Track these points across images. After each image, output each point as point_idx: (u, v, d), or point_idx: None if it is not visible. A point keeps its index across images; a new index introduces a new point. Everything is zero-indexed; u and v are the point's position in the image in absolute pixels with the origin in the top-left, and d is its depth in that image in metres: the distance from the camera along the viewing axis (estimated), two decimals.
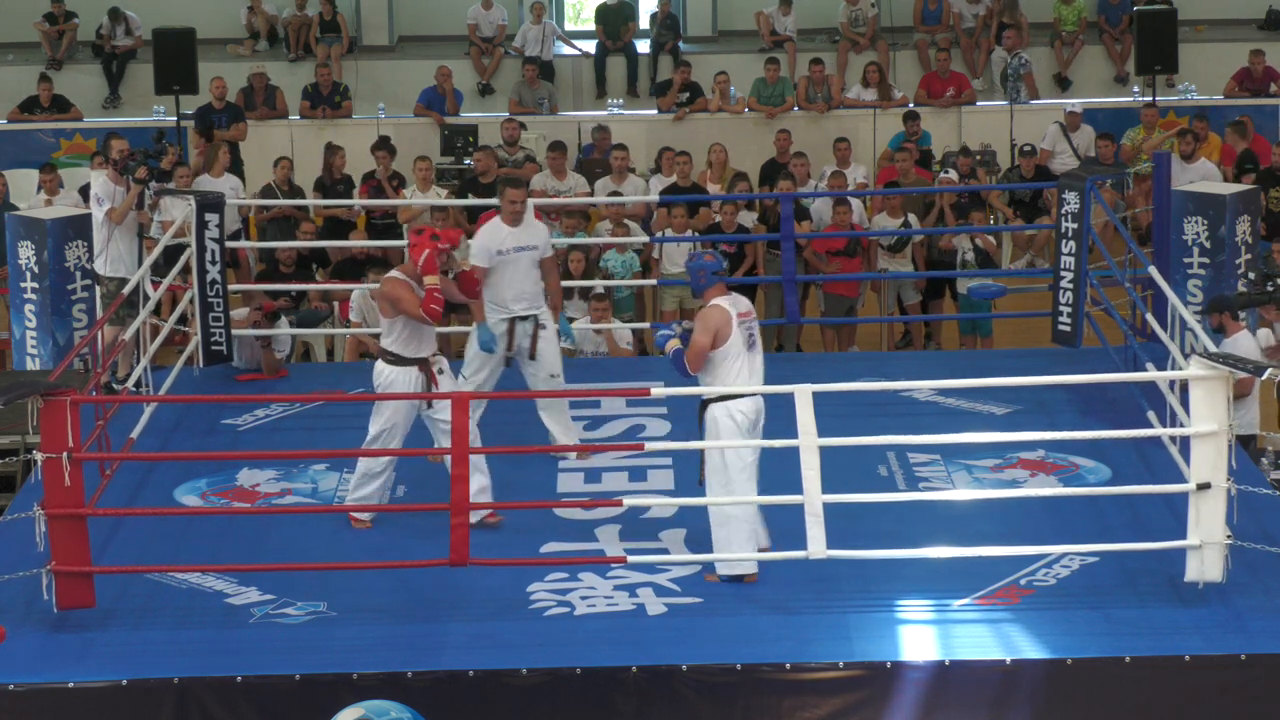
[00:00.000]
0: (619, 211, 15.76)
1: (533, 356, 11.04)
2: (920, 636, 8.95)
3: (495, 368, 11.17)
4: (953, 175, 16.61)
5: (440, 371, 10.20)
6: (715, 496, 9.48)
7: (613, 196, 15.93)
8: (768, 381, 9.69)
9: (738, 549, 9.41)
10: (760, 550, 9.44)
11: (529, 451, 10.57)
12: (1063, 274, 12.42)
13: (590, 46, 21.59)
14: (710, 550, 9.52)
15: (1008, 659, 8.70)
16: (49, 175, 16.60)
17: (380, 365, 10.22)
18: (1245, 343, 11.11)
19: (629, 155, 16.96)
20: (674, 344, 9.66)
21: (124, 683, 8.58)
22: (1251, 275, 10.36)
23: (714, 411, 9.49)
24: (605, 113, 20.16)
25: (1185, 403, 9.52)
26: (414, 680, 8.56)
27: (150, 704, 8.56)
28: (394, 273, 10.20)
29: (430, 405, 10.03)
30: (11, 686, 8.53)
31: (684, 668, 8.65)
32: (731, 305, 9.58)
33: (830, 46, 21.42)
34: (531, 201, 11.34)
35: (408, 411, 10.10)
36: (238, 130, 18.62)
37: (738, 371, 9.53)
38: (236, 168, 18.22)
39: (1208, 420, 9.01)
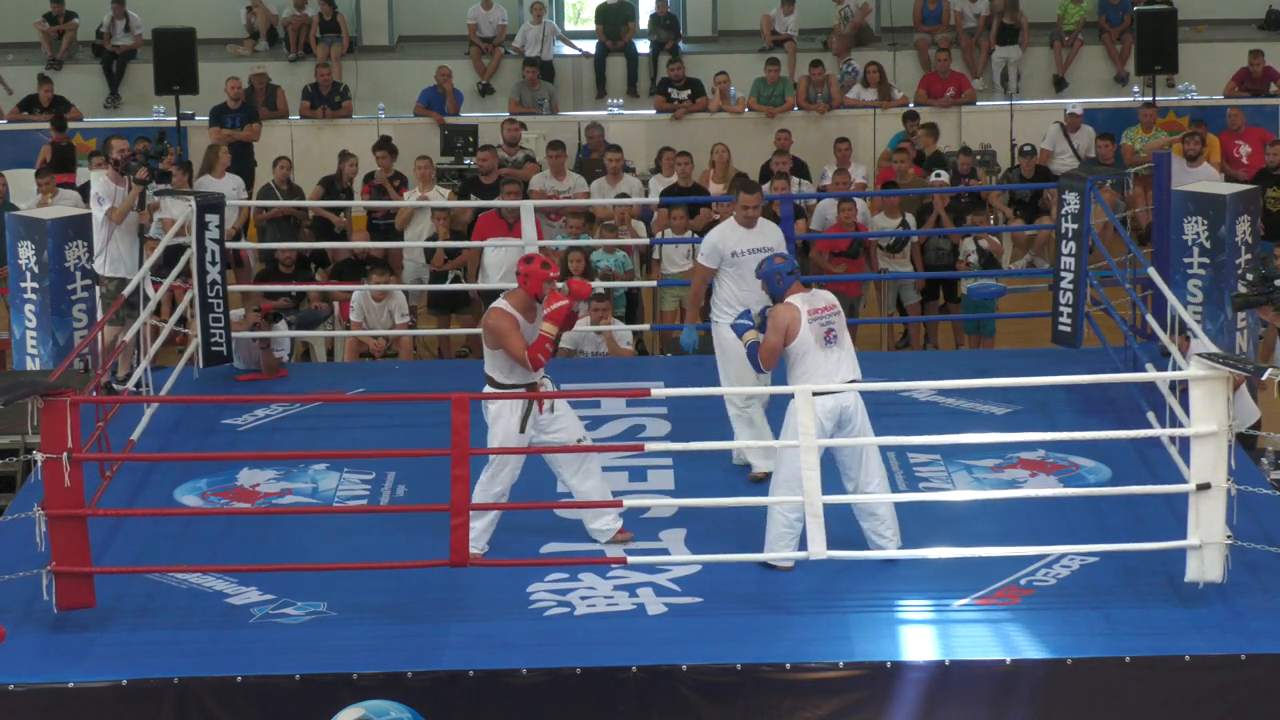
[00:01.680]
0: (618, 213, 15.78)
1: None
2: (920, 636, 8.95)
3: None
4: (944, 177, 16.60)
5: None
6: (775, 484, 9.51)
7: (620, 198, 15.92)
8: (775, 381, 9.68)
9: (772, 540, 9.43)
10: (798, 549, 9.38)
11: (528, 452, 10.55)
12: (1063, 274, 12.41)
13: (590, 46, 21.60)
14: (708, 551, 9.55)
15: (1008, 659, 8.70)
16: (49, 176, 16.59)
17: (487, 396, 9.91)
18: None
19: (623, 156, 16.96)
20: (751, 335, 9.72)
21: (124, 683, 8.58)
22: (1250, 277, 10.36)
23: (793, 404, 9.50)
24: (605, 113, 20.17)
25: (1185, 403, 9.51)
26: (414, 680, 8.56)
27: (150, 704, 8.55)
28: (501, 303, 9.81)
29: (535, 427, 9.83)
30: (11, 686, 8.53)
31: (684, 668, 8.65)
32: (803, 302, 9.60)
33: (828, 49, 21.43)
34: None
35: (516, 442, 9.81)
36: (251, 130, 18.63)
37: (815, 368, 9.53)
38: (249, 168, 18.25)
39: (1207, 420, 9.01)
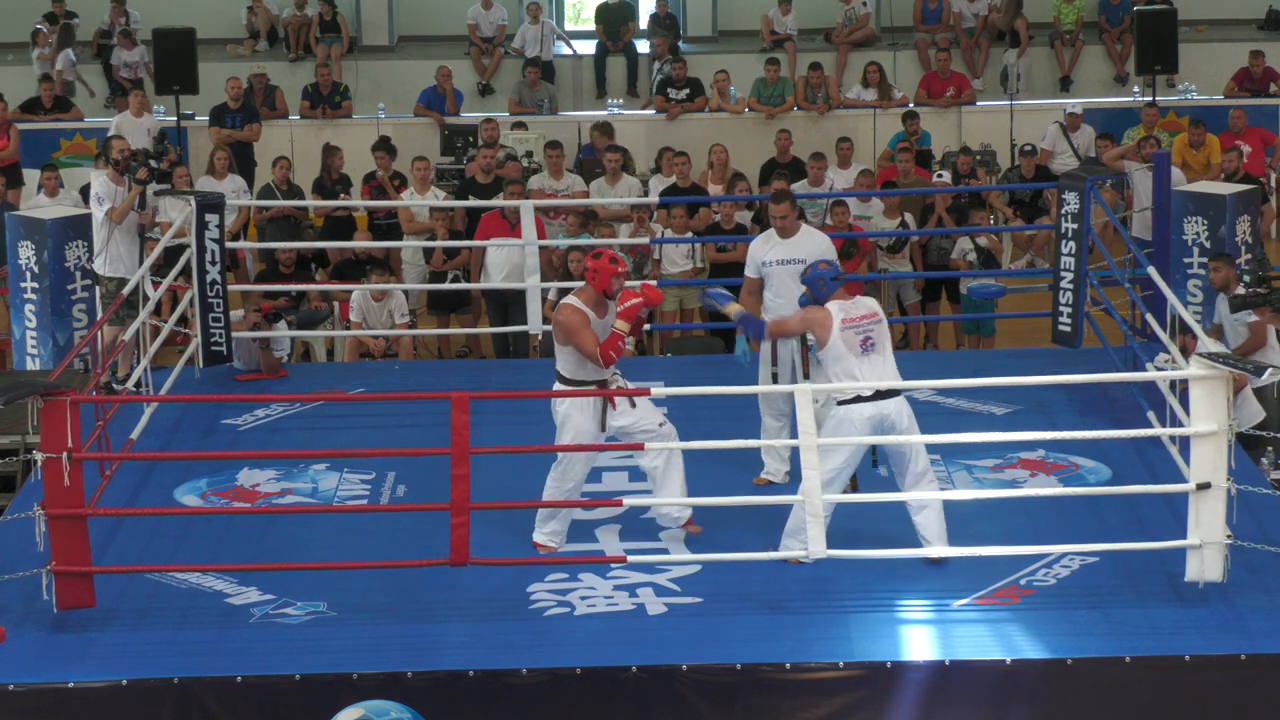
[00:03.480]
0: (618, 214, 15.78)
1: (807, 375, 10.36)
2: (920, 636, 8.95)
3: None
4: (946, 177, 16.60)
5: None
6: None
7: (628, 199, 15.92)
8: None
9: (792, 530, 9.45)
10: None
11: (529, 452, 10.55)
12: (1063, 274, 12.42)
13: (590, 46, 21.60)
14: (708, 550, 9.55)
15: (1008, 659, 8.70)
16: (49, 175, 16.60)
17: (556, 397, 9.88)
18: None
19: (623, 157, 16.95)
20: (735, 308, 9.80)
21: (124, 683, 8.58)
22: (1247, 278, 10.36)
23: (837, 411, 9.52)
24: (605, 113, 20.18)
25: (1185, 402, 9.51)
26: (414, 680, 8.56)
27: (150, 704, 8.55)
28: (572, 299, 9.79)
29: (608, 425, 9.81)
30: (11, 686, 8.53)
31: (684, 668, 8.65)
32: (840, 309, 9.58)
33: (829, 47, 21.44)
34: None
35: (590, 440, 9.80)
36: (251, 131, 18.64)
37: (847, 374, 9.51)
38: (249, 168, 18.25)
39: (1207, 420, 9.01)
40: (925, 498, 9.50)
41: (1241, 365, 9.09)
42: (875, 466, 9.68)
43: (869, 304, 9.77)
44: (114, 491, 10.16)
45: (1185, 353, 10.70)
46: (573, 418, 9.83)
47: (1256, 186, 14.44)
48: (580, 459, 9.86)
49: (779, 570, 9.44)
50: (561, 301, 9.88)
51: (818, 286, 9.74)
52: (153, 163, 12.23)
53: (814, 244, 10.68)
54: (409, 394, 12.35)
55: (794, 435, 9.96)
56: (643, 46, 21.64)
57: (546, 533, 9.92)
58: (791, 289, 10.42)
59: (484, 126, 17.71)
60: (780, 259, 10.60)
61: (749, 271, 10.77)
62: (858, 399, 9.47)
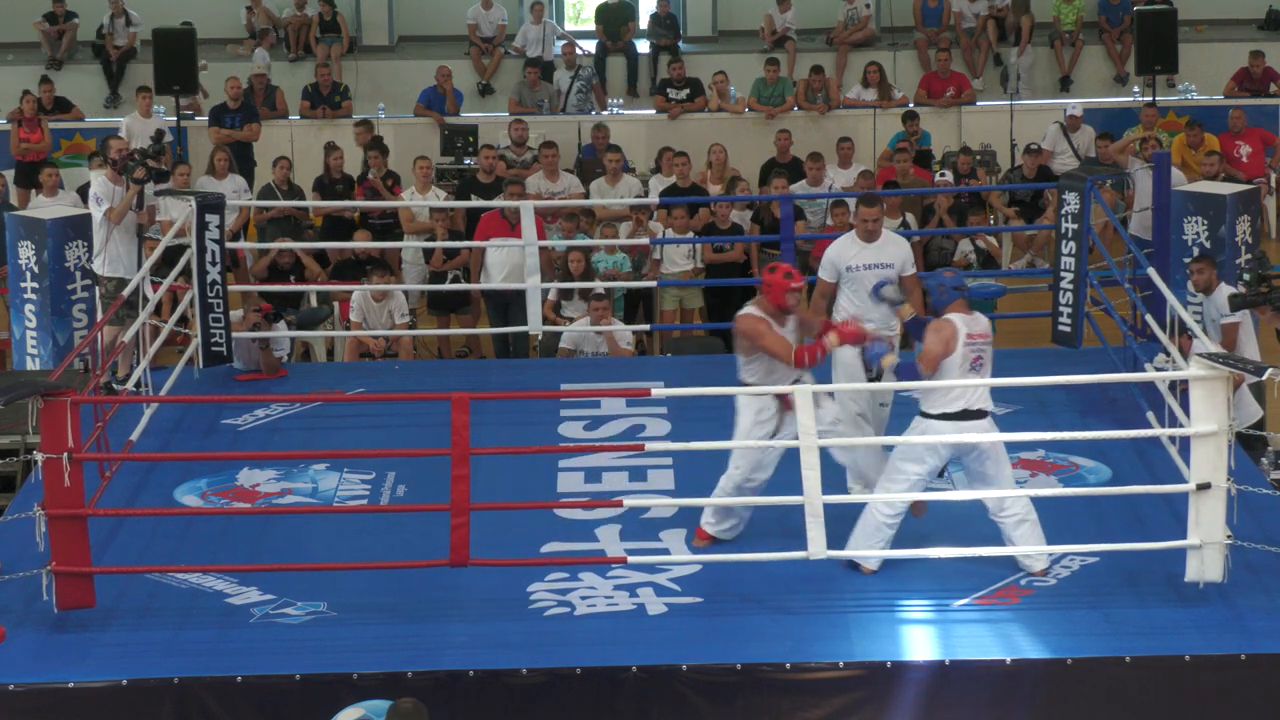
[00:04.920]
0: (617, 214, 15.78)
1: (878, 377, 10.10)
2: (920, 636, 8.96)
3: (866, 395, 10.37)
4: (949, 177, 16.60)
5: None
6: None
7: (634, 199, 15.92)
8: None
9: (861, 538, 9.37)
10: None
11: (529, 453, 10.57)
12: (1063, 274, 12.42)
13: (590, 46, 21.60)
14: (709, 551, 9.55)
15: (1008, 659, 8.70)
16: (49, 175, 16.60)
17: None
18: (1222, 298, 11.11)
19: (623, 156, 16.96)
20: (890, 359, 9.52)
21: (124, 683, 8.58)
22: (1247, 276, 10.35)
23: (922, 423, 9.43)
24: (606, 113, 20.17)
25: (1185, 403, 9.51)
26: (414, 680, 8.56)
27: (150, 704, 8.55)
28: (750, 309, 9.63)
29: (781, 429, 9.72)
30: (11, 686, 8.53)
31: (684, 668, 8.66)
32: (964, 324, 9.46)
33: (829, 47, 21.44)
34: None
35: (765, 439, 9.68)
36: (251, 130, 18.64)
37: (944, 388, 9.38)
38: (249, 168, 18.25)
39: (1207, 420, 9.01)
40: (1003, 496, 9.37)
41: (1241, 365, 9.08)
42: (941, 476, 9.59)
43: (984, 323, 9.60)
44: (114, 492, 10.16)
45: (1184, 353, 10.70)
46: (744, 414, 9.70)
47: (1257, 187, 14.43)
48: (755, 458, 9.67)
49: (779, 570, 9.43)
50: (740, 313, 9.69)
51: (939, 294, 9.50)
52: (150, 162, 12.23)
53: (898, 249, 10.58)
54: (409, 395, 12.35)
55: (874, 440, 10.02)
56: (643, 47, 21.64)
57: (720, 529, 9.87)
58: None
59: (513, 126, 17.78)
60: (867, 263, 10.45)
61: (825, 275, 10.55)
62: (943, 416, 9.35)
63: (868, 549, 9.39)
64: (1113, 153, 16.61)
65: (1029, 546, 9.38)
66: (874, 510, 9.43)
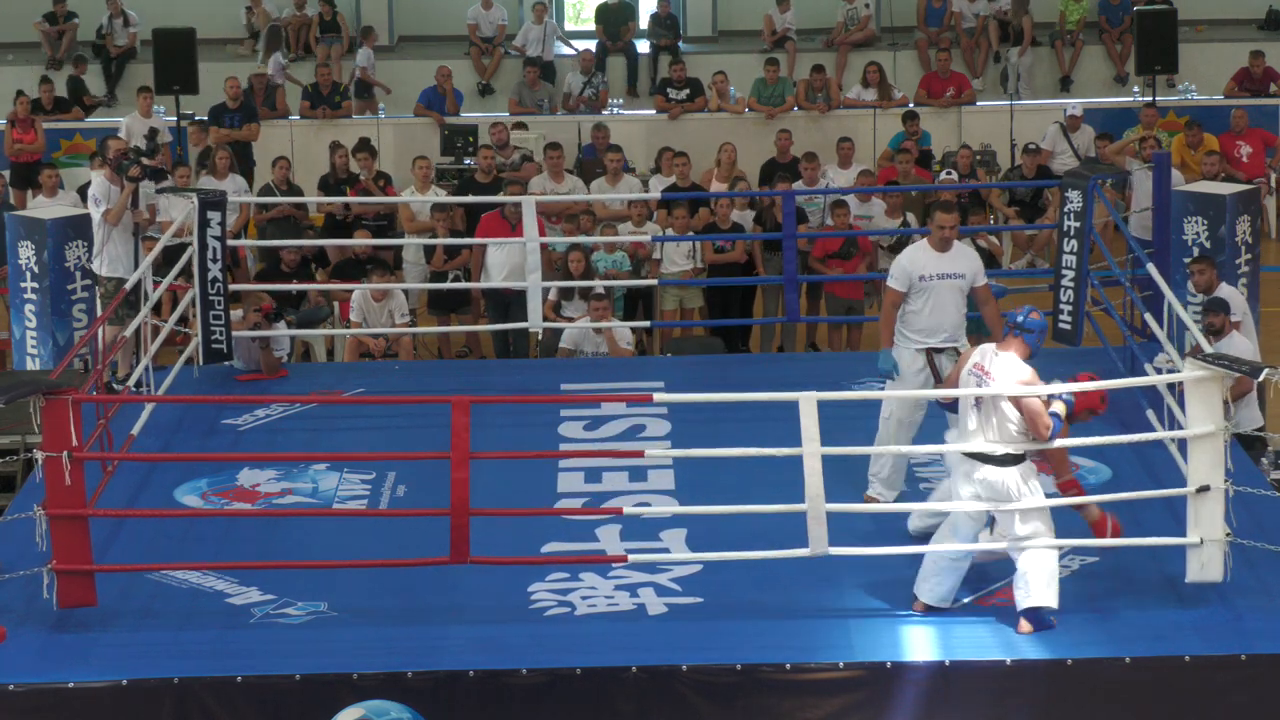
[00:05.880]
0: (617, 214, 15.77)
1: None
2: (920, 636, 8.95)
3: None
4: (954, 176, 16.60)
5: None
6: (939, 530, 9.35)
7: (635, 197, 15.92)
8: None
9: (931, 579, 9.16)
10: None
11: (529, 456, 10.55)
12: (1064, 273, 12.41)
13: (590, 46, 21.60)
14: (709, 551, 9.57)
15: (1008, 659, 8.70)
16: (49, 175, 16.60)
17: None
18: (1240, 344, 11.10)
19: (623, 156, 16.96)
20: (1060, 409, 9.25)
21: (124, 683, 8.58)
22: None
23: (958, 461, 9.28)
24: (606, 113, 20.17)
25: (1183, 403, 9.50)
26: (414, 680, 8.56)
27: (150, 704, 8.55)
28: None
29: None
30: (11, 686, 8.53)
31: (684, 668, 8.65)
32: (980, 355, 9.26)
33: (829, 47, 21.44)
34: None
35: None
36: (249, 130, 18.63)
37: (961, 420, 9.29)
38: (248, 167, 18.25)
39: (1204, 421, 9.01)
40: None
41: (1237, 366, 9.06)
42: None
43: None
44: (115, 491, 10.16)
45: (1221, 333, 10.73)
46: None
47: (1257, 187, 14.43)
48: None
49: (779, 570, 9.43)
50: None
51: (1035, 339, 9.23)
52: (145, 160, 12.22)
53: (970, 259, 10.50)
54: (410, 396, 12.35)
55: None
56: (643, 47, 21.64)
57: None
58: (948, 304, 10.27)
59: (493, 129, 17.72)
60: (942, 273, 10.36)
61: (897, 285, 10.37)
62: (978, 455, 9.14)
63: (927, 590, 9.17)
64: (1110, 154, 16.61)
65: (1031, 578, 9.05)
66: (934, 555, 9.22)
